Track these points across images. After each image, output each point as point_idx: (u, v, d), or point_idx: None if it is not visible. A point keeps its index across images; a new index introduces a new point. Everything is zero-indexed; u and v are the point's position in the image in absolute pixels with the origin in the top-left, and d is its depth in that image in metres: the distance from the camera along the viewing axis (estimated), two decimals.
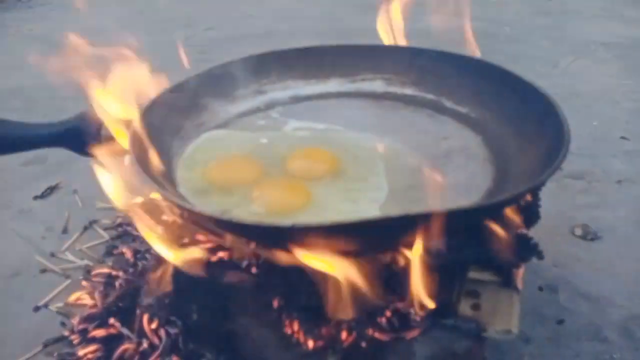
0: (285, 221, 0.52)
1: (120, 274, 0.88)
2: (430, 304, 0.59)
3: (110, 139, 0.70)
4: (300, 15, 2.22)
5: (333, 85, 0.92)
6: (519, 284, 0.63)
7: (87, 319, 0.80)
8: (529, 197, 0.66)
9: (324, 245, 0.55)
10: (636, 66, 1.68)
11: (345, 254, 0.57)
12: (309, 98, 0.91)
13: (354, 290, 0.58)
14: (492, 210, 0.57)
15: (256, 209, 0.64)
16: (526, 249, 0.63)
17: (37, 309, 0.86)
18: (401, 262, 0.59)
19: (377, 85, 0.92)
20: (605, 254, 0.94)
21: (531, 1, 2.29)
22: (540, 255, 0.63)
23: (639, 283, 0.88)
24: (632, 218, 1.03)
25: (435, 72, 0.87)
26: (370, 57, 0.93)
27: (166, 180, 0.66)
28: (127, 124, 0.71)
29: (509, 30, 1.97)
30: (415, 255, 0.56)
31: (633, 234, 1.00)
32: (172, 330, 0.74)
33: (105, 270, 0.90)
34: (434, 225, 0.51)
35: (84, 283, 0.90)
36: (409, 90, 0.89)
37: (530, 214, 0.68)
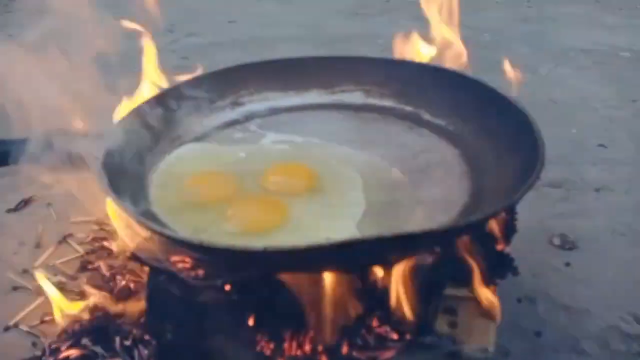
0: (258, 243, 0.51)
1: (95, 291, 0.86)
2: (413, 321, 0.59)
3: (80, 155, 0.68)
4: (283, 21, 2.21)
5: (312, 96, 0.92)
6: (495, 301, 0.63)
7: (59, 338, 0.78)
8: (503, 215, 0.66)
9: (299, 265, 0.54)
10: (615, 73, 1.70)
11: (321, 272, 0.57)
12: (287, 110, 0.90)
13: (329, 308, 0.58)
14: (465, 230, 0.56)
15: (231, 227, 0.62)
16: (502, 265, 0.63)
17: (7, 328, 0.84)
18: (378, 280, 0.58)
19: (356, 97, 0.91)
20: (583, 264, 0.95)
21: (511, 8, 2.31)
22: (515, 272, 0.63)
23: (616, 293, 0.88)
24: (610, 227, 1.04)
25: (414, 84, 0.87)
26: (350, 68, 0.92)
27: (139, 198, 0.65)
28: (98, 138, 0.70)
29: (489, 37, 1.98)
30: (391, 273, 0.55)
31: (611, 243, 1.00)
32: (146, 350, 0.73)
33: (79, 287, 0.88)
34: (409, 245, 0.50)
35: None
36: (388, 102, 0.89)
37: (507, 228, 0.68)
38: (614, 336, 0.80)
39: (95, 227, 1.03)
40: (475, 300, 0.62)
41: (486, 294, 0.61)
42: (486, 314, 0.60)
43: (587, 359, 0.76)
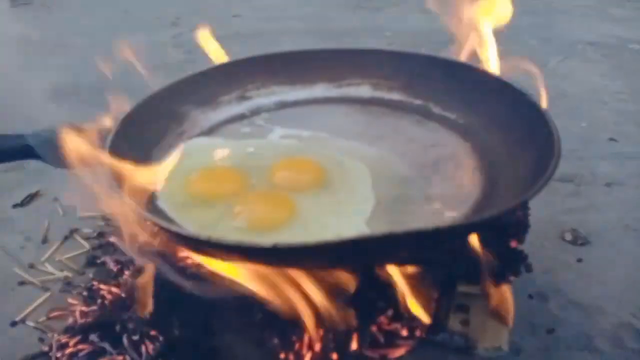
0: (267, 239, 0.50)
1: (102, 286, 0.85)
2: (425, 319, 0.58)
3: (85, 150, 0.67)
4: (288, 15, 2.19)
5: (319, 90, 0.90)
6: (509, 298, 0.62)
7: (66, 334, 0.78)
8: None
9: (307, 262, 0.53)
10: (624, 66, 1.68)
11: (331, 269, 0.56)
12: (295, 104, 0.89)
13: (339, 306, 0.57)
14: (479, 226, 0.55)
15: (239, 224, 0.61)
16: (515, 261, 0.62)
17: (14, 324, 0.83)
18: (388, 278, 0.57)
19: (364, 90, 0.90)
20: (595, 260, 0.93)
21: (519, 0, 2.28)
22: (529, 268, 0.62)
23: (628, 289, 0.87)
24: (622, 222, 1.03)
25: (423, 76, 0.86)
26: (357, 61, 0.91)
27: (144, 193, 0.64)
28: (105, 133, 0.69)
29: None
30: (402, 271, 0.54)
31: (622, 238, 0.99)
32: (154, 346, 0.72)
33: (86, 282, 0.88)
34: (419, 242, 0.49)
35: (64, 296, 0.87)
36: (396, 96, 0.88)
37: (519, 224, 0.67)
38: (627, 334, 0.79)
39: (102, 222, 1.02)
40: (488, 299, 0.61)
41: (500, 296, 0.60)
42: (499, 317, 0.59)
43: (601, 357, 0.75)
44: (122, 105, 0.78)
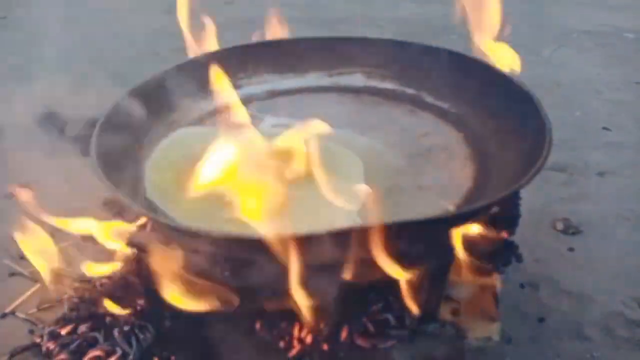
0: (257, 230, 0.50)
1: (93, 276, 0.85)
2: (415, 310, 0.58)
3: (74, 139, 0.67)
4: (280, 2, 2.17)
5: (311, 79, 0.90)
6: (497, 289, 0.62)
7: (57, 325, 0.77)
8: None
9: (297, 254, 0.53)
10: (619, 55, 1.67)
11: (320, 261, 0.55)
12: (286, 93, 0.88)
13: (330, 298, 0.57)
14: (470, 216, 0.55)
15: (229, 214, 0.61)
16: (506, 252, 0.62)
17: (3, 315, 0.83)
18: (379, 268, 0.57)
19: (356, 79, 0.89)
20: (586, 249, 0.94)
21: None
22: (519, 258, 0.62)
23: (619, 279, 0.87)
24: (613, 211, 1.03)
25: (416, 65, 0.85)
26: (350, 50, 0.90)
27: (134, 184, 0.63)
28: (93, 123, 0.68)
29: None
30: (394, 262, 0.54)
31: (614, 227, 0.99)
32: (144, 337, 0.72)
33: (77, 272, 0.87)
34: (410, 233, 0.49)
35: (53, 287, 0.86)
36: (389, 85, 0.87)
37: (511, 214, 0.67)
38: (617, 322, 0.79)
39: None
40: (479, 288, 0.61)
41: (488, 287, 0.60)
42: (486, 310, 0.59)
43: (591, 346, 0.76)
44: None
